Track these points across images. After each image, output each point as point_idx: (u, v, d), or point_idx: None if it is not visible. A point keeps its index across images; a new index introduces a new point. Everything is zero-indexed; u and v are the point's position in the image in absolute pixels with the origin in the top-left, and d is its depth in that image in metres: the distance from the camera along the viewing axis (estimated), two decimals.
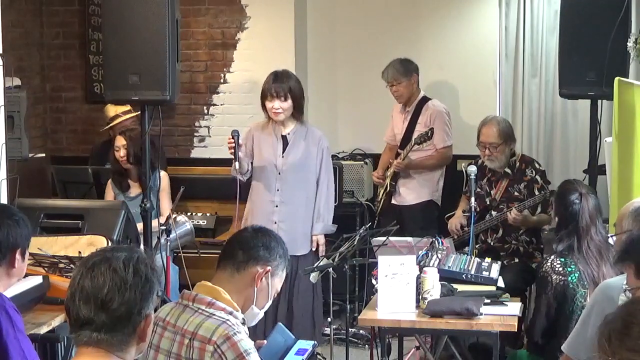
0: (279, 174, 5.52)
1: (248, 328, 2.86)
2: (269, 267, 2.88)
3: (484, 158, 5.76)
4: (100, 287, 2.13)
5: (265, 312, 5.42)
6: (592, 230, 4.32)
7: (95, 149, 7.17)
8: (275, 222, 5.47)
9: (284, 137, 5.57)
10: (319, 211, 5.59)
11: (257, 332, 5.43)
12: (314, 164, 5.58)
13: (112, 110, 6.74)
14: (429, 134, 6.12)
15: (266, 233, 2.98)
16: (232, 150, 5.40)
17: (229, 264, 2.88)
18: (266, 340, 3.11)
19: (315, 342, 3.24)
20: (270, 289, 2.92)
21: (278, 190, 5.52)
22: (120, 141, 6.11)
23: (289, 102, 5.47)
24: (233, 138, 5.40)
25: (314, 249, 5.56)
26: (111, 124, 6.76)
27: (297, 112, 5.55)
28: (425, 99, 6.51)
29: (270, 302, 2.96)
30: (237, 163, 5.42)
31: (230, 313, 2.77)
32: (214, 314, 2.74)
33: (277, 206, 5.52)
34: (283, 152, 5.54)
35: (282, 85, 5.45)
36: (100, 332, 2.13)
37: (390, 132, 6.71)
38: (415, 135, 6.31)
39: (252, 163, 5.59)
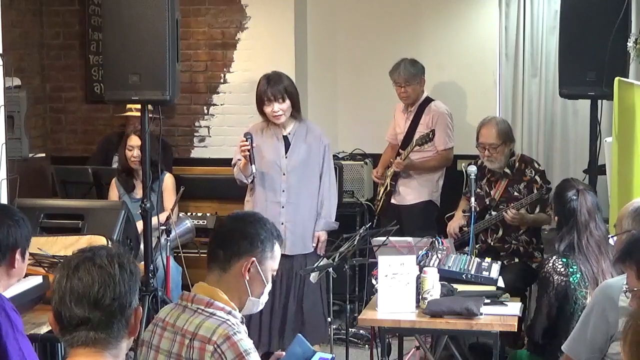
0: (284, 174, 5.53)
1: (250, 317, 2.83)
2: (252, 258, 2.84)
3: (483, 159, 5.75)
4: (91, 285, 2.14)
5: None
6: (592, 225, 4.30)
7: (103, 143, 7.17)
8: (282, 223, 5.49)
9: (285, 138, 5.57)
10: (321, 208, 5.61)
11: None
12: (317, 162, 5.59)
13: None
14: (431, 136, 6.11)
15: (242, 221, 2.91)
16: (247, 154, 5.37)
17: (215, 266, 2.86)
18: (285, 351, 3.09)
19: (334, 355, 3.21)
20: (263, 274, 2.87)
21: (284, 191, 5.53)
22: (135, 141, 6.10)
23: (287, 102, 5.47)
24: (247, 140, 5.38)
25: (314, 245, 5.56)
26: (125, 114, 6.80)
27: (296, 111, 5.55)
28: (428, 100, 6.50)
29: (269, 286, 2.91)
30: (253, 166, 5.39)
31: (229, 313, 2.77)
32: (214, 314, 2.74)
33: (283, 207, 5.53)
34: (286, 153, 5.54)
35: (278, 87, 5.44)
36: (97, 331, 2.14)
37: (392, 131, 6.71)
38: (416, 136, 6.31)
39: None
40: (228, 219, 2.97)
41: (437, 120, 6.39)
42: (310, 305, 5.51)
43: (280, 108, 5.45)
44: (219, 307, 2.76)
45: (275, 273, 2.94)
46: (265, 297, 2.93)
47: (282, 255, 5.46)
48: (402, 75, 6.40)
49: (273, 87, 5.45)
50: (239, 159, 5.52)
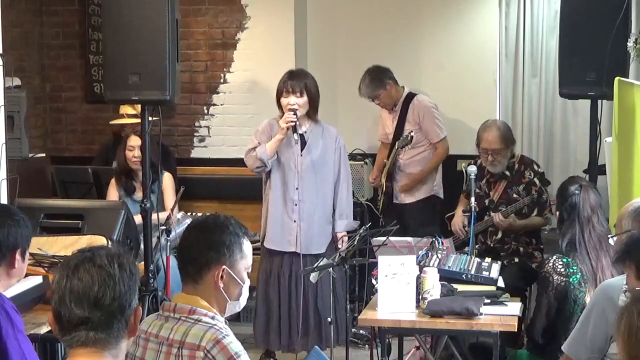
0: (298, 172, 5.53)
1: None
2: (222, 266, 2.78)
3: (486, 163, 5.74)
4: (91, 285, 2.14)
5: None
6: (594, 219, 4.29)
7: (104, 147, 7.17)
8: (295, 221, 5.49)
9: (301, 136, 5.55)
10: (341, 209, 5.61)
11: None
12: (332, 162, 5.59)
13: (122, 108, 6.75)
14: (409, 139, 6.17)
15: (203, 230, 2.83)
16: (293, 124, 5.38)
17: (187, 280, 2.82)
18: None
19: None
20: (237, 276, 2.81)
21: (297, 188, 5.53)
22: (135, 141, 6.09)
23: (305, 98, 5.47)
24: (295, 114, 5.40)
25: (339, 247, 5.54)
26: (117, 121, 6.80)
27: (312, 111, 5.55)
28: (410, 96, 6.54)
29: (247, 284, 2.86)
30: (295, 134, 5.42)
31: (213, 317, 2.74)
32: (200, 320, 2.71)
33: (296, 205, 5.53)
34: (302, 151, 5.54)
35: (298, 82, 5.46)
36: (97, 331, 2.14)
37: (381, 131, 6.76)
38: (405, 132, 6.34)
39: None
40: (189, 230, 2.88)
41: (424, 115, 6.42)
42: (325, 308, 5.48)
43: (296, 102, 5.45)
44: (202, 314, 2.73)
45: (250, 269, 2.87)
46: (245, 296, 2.88)
47: (294, 254, 5.56)
48: (364, 94, 6.50)
49: (294, 80, 5.47)
50: (259, 143, 5.51)
